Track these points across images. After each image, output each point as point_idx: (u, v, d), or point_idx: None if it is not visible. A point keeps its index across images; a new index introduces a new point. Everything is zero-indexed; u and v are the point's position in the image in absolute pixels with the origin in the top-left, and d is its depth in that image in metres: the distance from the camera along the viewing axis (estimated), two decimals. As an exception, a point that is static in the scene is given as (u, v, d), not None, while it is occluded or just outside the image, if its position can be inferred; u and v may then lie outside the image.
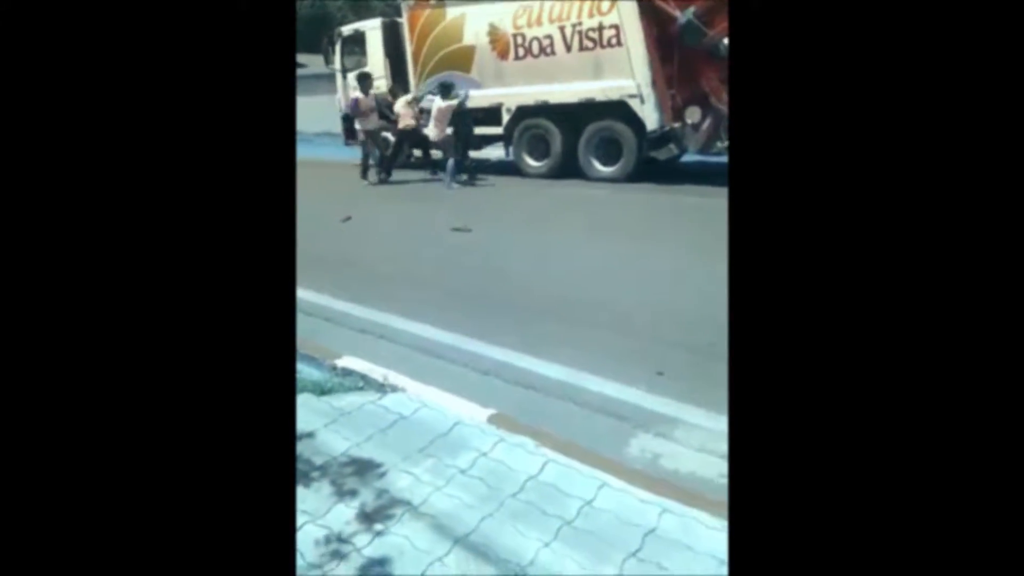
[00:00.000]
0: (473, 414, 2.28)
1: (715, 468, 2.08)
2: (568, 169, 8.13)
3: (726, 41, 6.80)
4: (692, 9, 6.89)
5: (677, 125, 7.34)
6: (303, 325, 3.32)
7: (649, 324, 3.36)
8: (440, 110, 8.22)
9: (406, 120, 8.74)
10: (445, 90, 8.34)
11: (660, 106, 7.24)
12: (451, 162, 8.18)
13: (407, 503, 1.84)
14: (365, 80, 8.86)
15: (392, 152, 9.16)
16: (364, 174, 8.82)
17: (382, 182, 8.74)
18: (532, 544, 1.66)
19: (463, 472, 1.96)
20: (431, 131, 8.39)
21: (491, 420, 2.24)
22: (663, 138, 7.41)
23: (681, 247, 4.99)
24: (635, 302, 3.72)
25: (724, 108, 7.00)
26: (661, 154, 7.52)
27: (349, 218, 6.37)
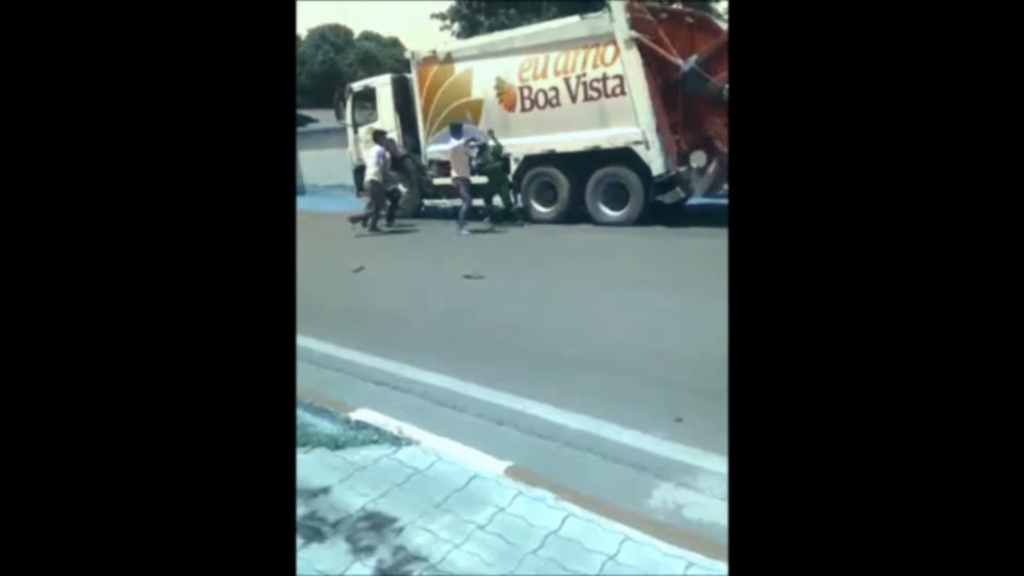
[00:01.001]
0: (490, 467, 2.24)
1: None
2: (576, 214, 8.23)
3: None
4: (695, 57, 7.09)
5: (683, 169, 7.45)
6: (315, 376, 3.32)
7: (664, 369, 3.32)
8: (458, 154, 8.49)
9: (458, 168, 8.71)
10: (456, 132, 8.65)
11: (665, 151, 7.36)
12: (463, 208, 8.29)
13: (425, 560, 1.79)
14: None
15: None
16: (375, 225, 9.01)
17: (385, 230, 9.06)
18: (555, 603, 1.60)
19: (481, 528, 1.91)
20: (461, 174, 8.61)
21: (508, 473, 2.20)
22: (669, 182, 7.51)
23: (691, 290, 4.98)
24: (648, 347, 3.69)
25: (728, 152, 7.12)
26: (667, 198, 7.61)
27: (362, 268, 6.44)
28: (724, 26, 7.50)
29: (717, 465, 2.33)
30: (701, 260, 6.18)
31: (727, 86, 6.98)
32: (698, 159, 7.42)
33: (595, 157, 7.91)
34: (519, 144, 8.67)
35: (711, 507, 2.09)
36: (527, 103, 8.54)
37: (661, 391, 3.03)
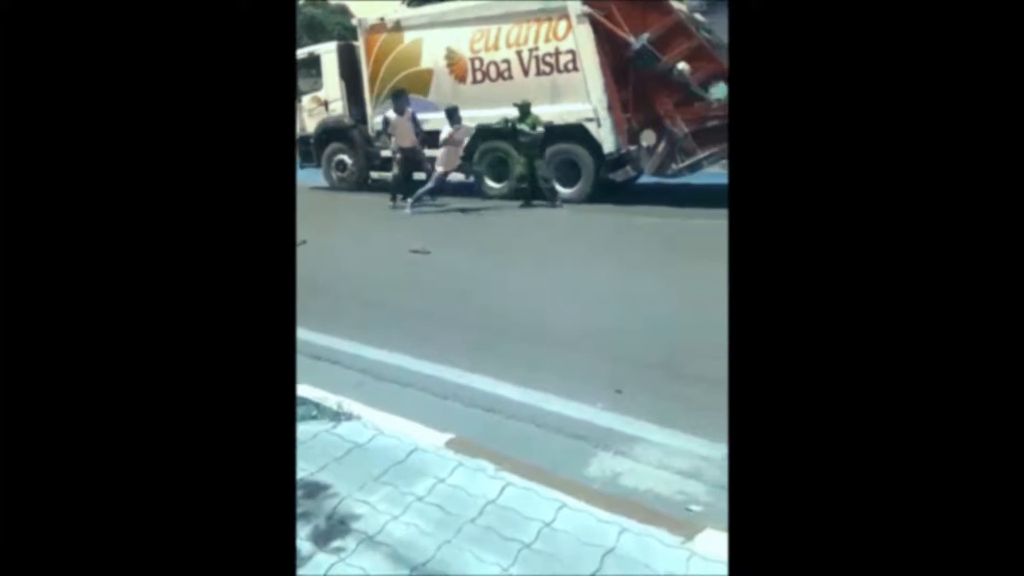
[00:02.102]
0: (431, 439, 2.24)
1: (673, 485, 2.09)
2: (527, 190, 8.21)
3: (680, 66, 7.06)
4: (646, 35, 7.12)
5: (633, 148, 7.52)
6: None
7: (606, 343, 3.39)
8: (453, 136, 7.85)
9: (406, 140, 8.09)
10: (452, 116, 7.90)
11: (616, 130, 7.41)
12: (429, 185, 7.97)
13: (363, 533, 1.78)
14: (401, 98, 8.17)
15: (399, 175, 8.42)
16: (395, 199, 8.12)
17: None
18: (491, 569, 1.62)
19: (420, 499, 1.91)
20: (443, 158, 7.87)
21: (449, 445, 2.20)
22: (620, 161, 7.58)
23: (637, 266, 5.08)
24: (592, 321, 3.75)
25: (677, 131, 7.23)
26: (618, 176, 7.69)
27: (304, 242, 6.25)
28: (676, 5, 7.54)
29: (653, 434, 2.40)
30: (648, 238, 6.30)
31: (679, 65, 7.06)
32: (648, 138, 7.50)
33: (548, 133, 7.89)
34: (470, 117, 8.54)
35: (646, 474, 2.16)
36: (479, 75, 8.41)
37: (603, 364, 3.09)
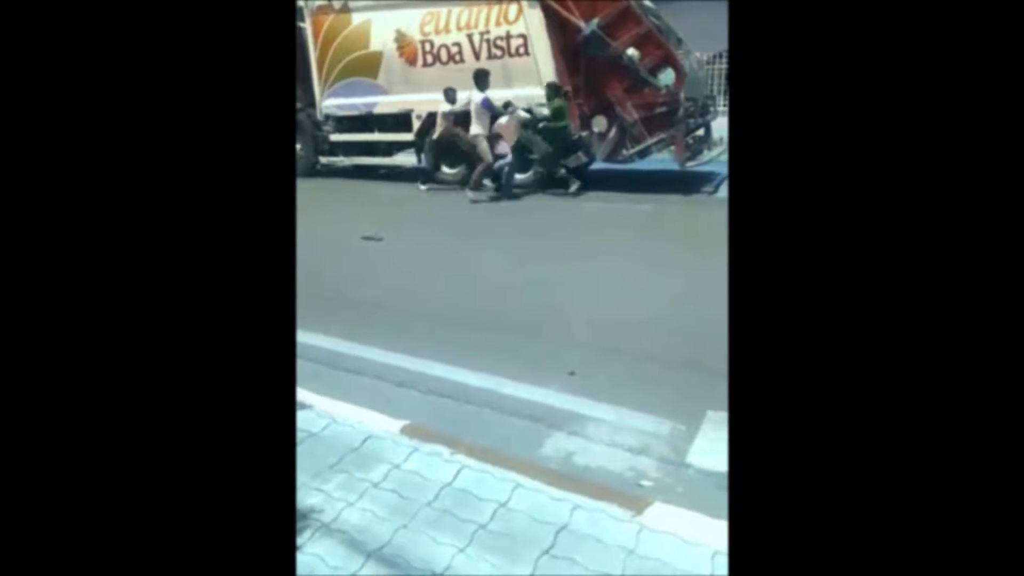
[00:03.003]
0: (386, 426, 2.24)
1: (623, 462, 2.17)
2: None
3: (630, 52, 7.12)
4: (596, 20, 7.15)
5: (585, 134, 7.58)
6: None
7: (559, 327, 3.44)
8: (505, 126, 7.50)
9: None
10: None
11: (568, 115, 7.43)
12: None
13: (318, 520, 1.78)
14: (483, 78, 7.52)
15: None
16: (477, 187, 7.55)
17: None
18: (447, 551, 1.65)
19: (375, 485, 1.92)
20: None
21: (404, 431, 2.21)
22: (572, 146, 7.62)
23: (587, 252, 5.15)
24: (545, 306, 3.80)
25: (628, 117, 7.31)
26: (570, 162, 7.73)
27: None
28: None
29: (605, 413, 2.47)
30: (600, 223, 6.39)
31: (629, 50, 7.12)
32: (600, 124, 7.56)
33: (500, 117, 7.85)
34: (422, 100, 8.41)
35: (598, 452, 2.22)
36: (429, 58, 8.28)
37: (557, 347, 3.14)
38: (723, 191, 7.75)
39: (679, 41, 8.23)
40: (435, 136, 7.89)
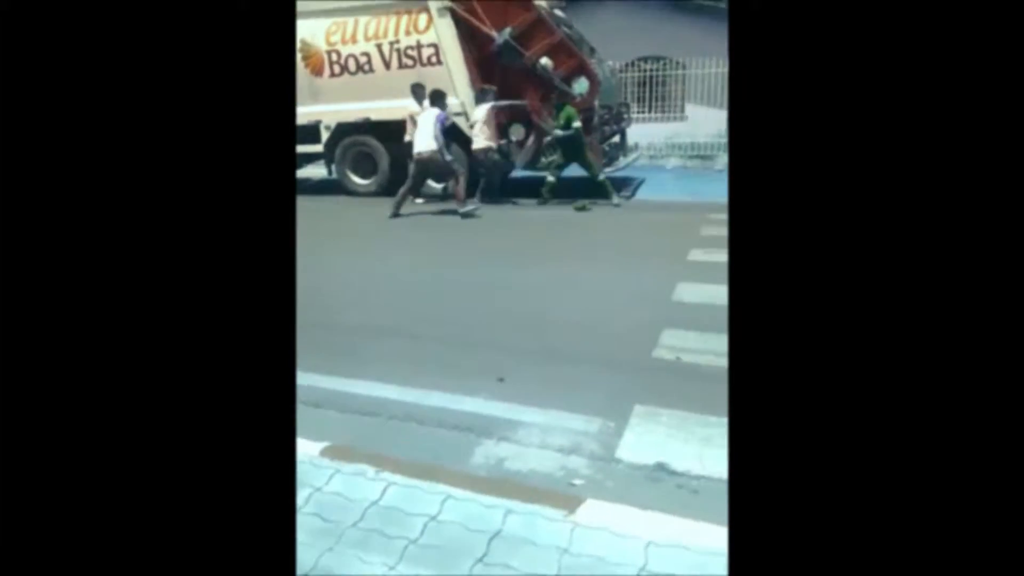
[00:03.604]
0: (304, 450, 2.12)
1: (555, 463, 2.16)
2: (397, 186, 8.05)
3: (543, 61, 7.25)
4: (509, 30, 7.23)
5: (503, 142, 7.63)
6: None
7: (485, 333, 3.42)
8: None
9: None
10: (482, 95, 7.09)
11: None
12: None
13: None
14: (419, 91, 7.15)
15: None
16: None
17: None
18: (377, 570, 1.58)
19: (298, 511, 1.81)
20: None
21: (324, 453, 2.10)
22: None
23: (510, 258, 5.18)
24: (473, 314, 3.77)
25: (545, 126, 7.43)
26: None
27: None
28: (537, 2, 7.74)
29: (534, 416, 2.46)
30: (521, 231, 6.44)
31: (542, 60, 7.25)
32: (517, 132, 7.65)
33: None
34: (330, 111, 8.19)
35: (529, 456, 2.20)
36: (336, 68, 8.09)
37: (483, 354, 3.11)
38: (640, 195, 8.03)
39: (592, 50, 8.48)
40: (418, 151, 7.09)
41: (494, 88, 7.09)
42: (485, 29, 7.26)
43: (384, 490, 1.88)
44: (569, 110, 7.12)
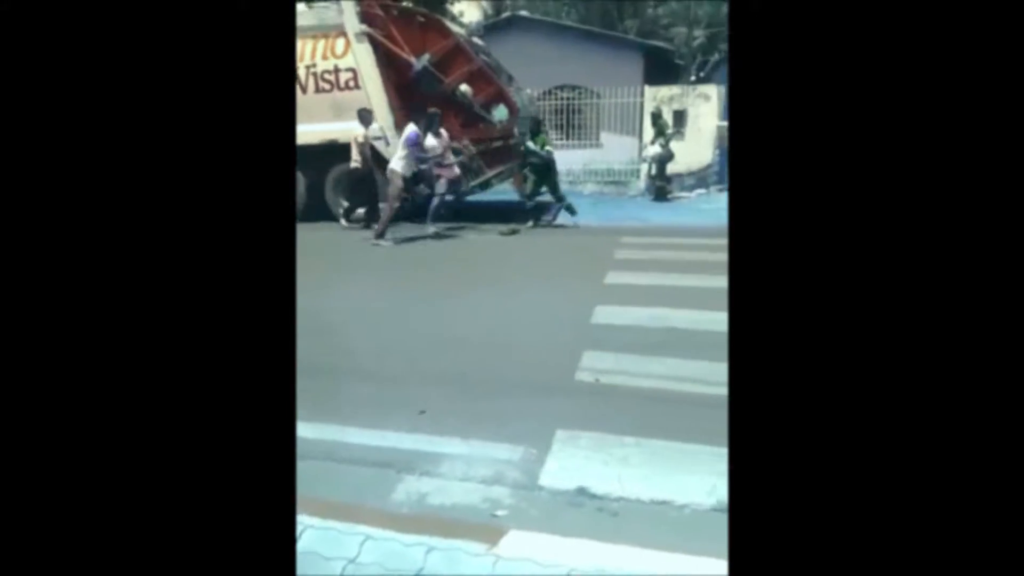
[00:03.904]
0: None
1: (478, 494, 2.15)
2: (316, 212, 7.85)
3: (462, 88, 7.34)
4: (427, 56, 7.28)
5: (424, 167, 7.62)
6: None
7: (404, 364, 3.37)
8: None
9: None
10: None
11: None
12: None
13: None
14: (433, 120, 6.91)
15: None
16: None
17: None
18: (291, 625, 1.50)
19: (204, 565, 1.70)
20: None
21: (236, 497, 1.99)
22: (414, 179, 7.62)
23: (430, 284, 5.15)
24: (387, 344, 3.71)
25: (468, 151, 7.50)
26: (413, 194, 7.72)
27: None
28: (455, 29, 7.85)
29: (457, 448, 2.44)
30: (441, 257, 6.43)
31: (462, 87, 7.33)
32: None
33: (333, 151, 7.62)
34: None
35: (452, 489, 2.18)
36: (253, 92, 7.84)
37: (404, 387, 3.06)
38: (561, 218, 8.23)
39: (510, 78, 8.68)
40: (353, 166, 7.18)
41: (439, 112, 7.10)
42: (403, 55, 7.27)
43: (300, 534, 1.80)
44: (543, 137, 7.47)
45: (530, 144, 7.52)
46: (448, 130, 7.48)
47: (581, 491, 2.15)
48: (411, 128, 6.66)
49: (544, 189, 7.69)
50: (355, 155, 7.23)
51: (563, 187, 10.80)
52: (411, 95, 7.42)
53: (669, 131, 9.65)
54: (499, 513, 2.03)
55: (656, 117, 9.73)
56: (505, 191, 8.01)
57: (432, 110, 7.05)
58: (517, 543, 1.79)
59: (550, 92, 11.86)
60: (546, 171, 7.59)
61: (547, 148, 7.43)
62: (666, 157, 9.47)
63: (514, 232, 7.11)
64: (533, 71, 11.03)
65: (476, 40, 8.68)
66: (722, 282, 4.16)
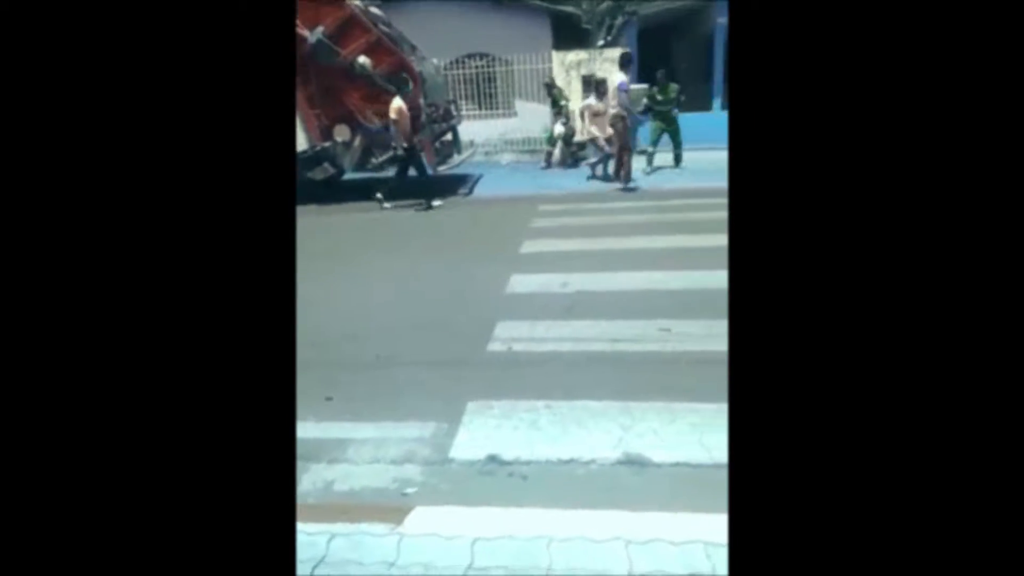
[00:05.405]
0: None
1: (388, 475, 2.13)
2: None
3: (361, 60, 7.05)
4: (321, 28, 6.94)
5: (328, 144, 7.34)
6: None
7: (312, 349, 3.27)
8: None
9: None
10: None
11: (306, 126, 7.13)
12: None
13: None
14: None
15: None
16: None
17: None
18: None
19: None
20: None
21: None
22: (316, 158, 7.33)
23: (340, 266, 5.01)
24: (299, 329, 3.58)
25: (371, 126, 7.26)
26: (316, 174, 7.44)
27: None
28: (350, 1, 7.50)
29: (365, 432, 2.41)
30: (352, 234, 6.25)
31: (360, 59, 7.05)
32: (342, 133, 7.40)
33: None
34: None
35: (360, 473, 2.15)
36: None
37: (312, 373, 2.97)
38: (478, 191, 8.16)
39: (412, 48, 8.42)
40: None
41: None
42: (297, 29, 6.90)
43: (192, 540, 1.72)
44: (672, 86, 8.25)
45: (658, 95, 8.26)
46: (349, 104, 7.21)
47: (492, 459, 2.17)
48: (622, 76, 7.35)
49: (663, 140, 8.44)
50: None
51: (480, 158, 10.78)
52: (308, 69, 7.08)
53: (563, 102, 9.72)
54: (409, 491, 2.03)
55: (550, 87, 9.76)
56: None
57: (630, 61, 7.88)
58: (423, 519, 1.79)
59: (459, 61, 11.63)
60: (672, 122, 8.38)
61: (674, 95, 8.27)
62: (570, 133, 9.61)
63: (429, 207, 7.01)
64: (439, 40, 10.76)
65: (374, 10, 8.34)
66: (632, 243, 4.31)
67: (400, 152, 7.05)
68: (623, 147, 7.32)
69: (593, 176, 8.19)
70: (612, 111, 7.20)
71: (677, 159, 8.67)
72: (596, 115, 7.92)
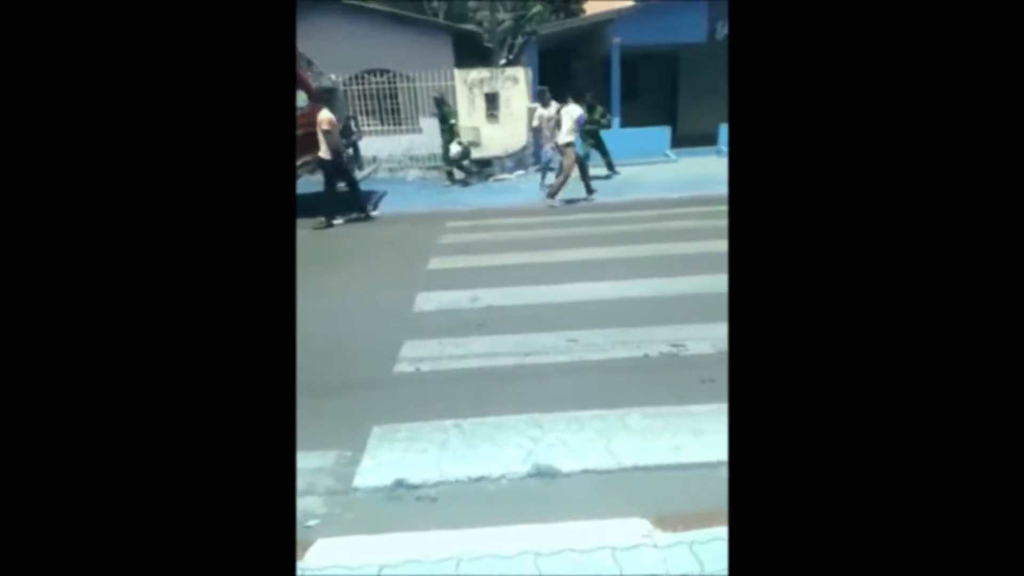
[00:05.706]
0: None
1: (315, 501, 2.00)
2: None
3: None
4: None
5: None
6: None
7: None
8: None
9: None
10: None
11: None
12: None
13: None
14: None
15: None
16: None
17: None
18: None
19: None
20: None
21: None
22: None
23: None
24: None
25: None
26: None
27: None
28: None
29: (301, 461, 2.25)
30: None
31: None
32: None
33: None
34: None
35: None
36: None
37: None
38: (383, 207, 8.01)
39: (309, 63, 8.18)
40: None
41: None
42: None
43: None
44: (601, 109, 9.34)
45: (593, 116, 9.10)
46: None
47: (399, 484, 2.10)
48: (579, 110, 7.68)
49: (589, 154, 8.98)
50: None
51: (385, 174, 10.60)
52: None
53: (453, 120, 9.84)
54: (310, 523, 1.92)
55: (440, 103, 9.84)
56: (315, 183, 7.58)
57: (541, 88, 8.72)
58: (325, 552, 1.70)
59: (359, 77, 11.43)
60: (599, 139, 9.34)
61: (605, 118, 9.43)
62: (465, 152, 9.76)
63: (328, 226, 6.79)
64: (338, 56, 10.54)
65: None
66: (538, 257, 4.35)
67: (328, 164, 6.91)
68: (569, 170, 7.55)
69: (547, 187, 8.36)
70: (569, 138, 7.46)
71: (610, 166, 9.65)
72: (549, 120, 8.16)
